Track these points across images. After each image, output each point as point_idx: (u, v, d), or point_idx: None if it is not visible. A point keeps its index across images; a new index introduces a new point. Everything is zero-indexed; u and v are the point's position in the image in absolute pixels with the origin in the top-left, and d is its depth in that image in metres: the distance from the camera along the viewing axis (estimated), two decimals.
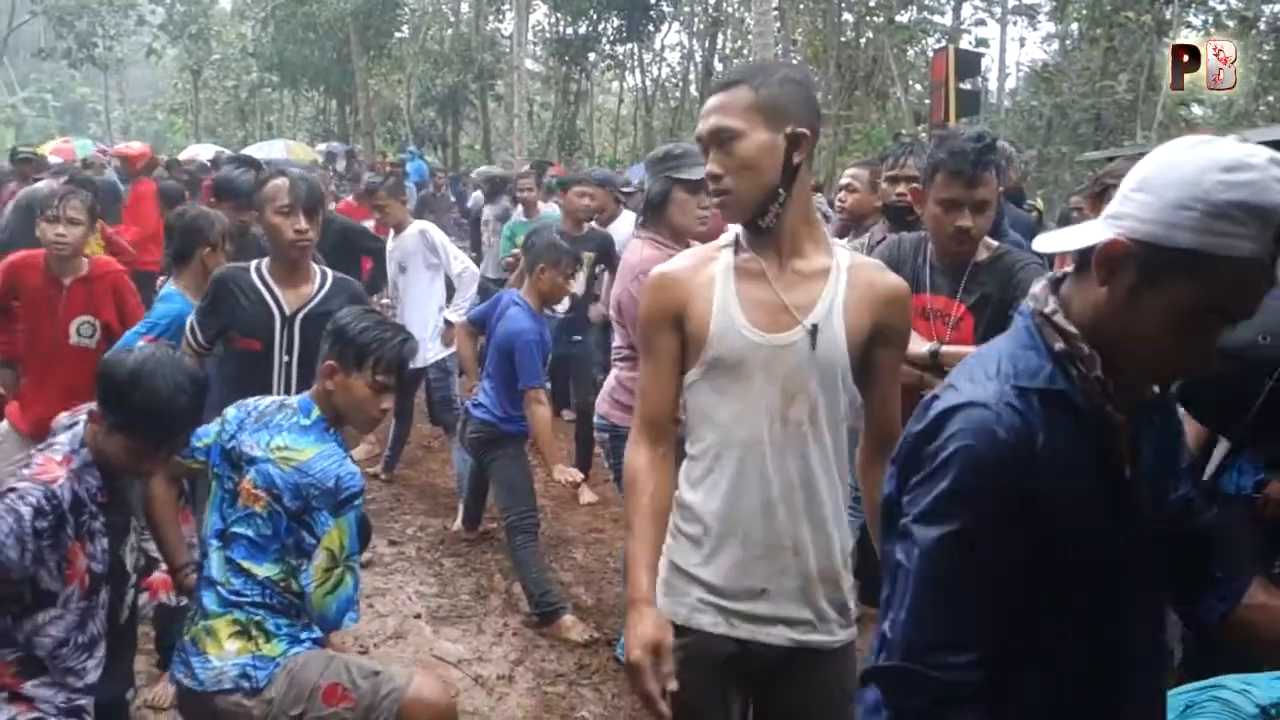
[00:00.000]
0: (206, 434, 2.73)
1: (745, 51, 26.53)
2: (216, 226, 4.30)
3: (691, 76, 29.63)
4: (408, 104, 29.40)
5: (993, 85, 27.75)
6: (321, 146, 23.99)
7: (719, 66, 27.66)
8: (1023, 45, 31.44)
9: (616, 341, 3.85)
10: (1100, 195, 3.36)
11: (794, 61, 21.84)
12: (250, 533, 2.59)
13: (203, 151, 19.41)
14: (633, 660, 1.89)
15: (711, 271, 2.03)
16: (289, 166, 6.25)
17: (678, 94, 30.57)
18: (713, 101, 1.98)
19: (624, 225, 6.73)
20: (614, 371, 3.84)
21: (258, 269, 3.60)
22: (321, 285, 3.61)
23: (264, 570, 2.57)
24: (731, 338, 1.97)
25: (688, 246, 3.73)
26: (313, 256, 3.70)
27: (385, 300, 6.68)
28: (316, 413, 2.71)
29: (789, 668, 2.04)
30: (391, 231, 6.36)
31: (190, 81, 34.73)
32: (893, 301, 2.01)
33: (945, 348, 2.93)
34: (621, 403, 3.70)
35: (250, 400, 2.82)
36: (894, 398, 2.07)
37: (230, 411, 2.78)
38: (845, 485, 2.05)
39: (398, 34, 29.24)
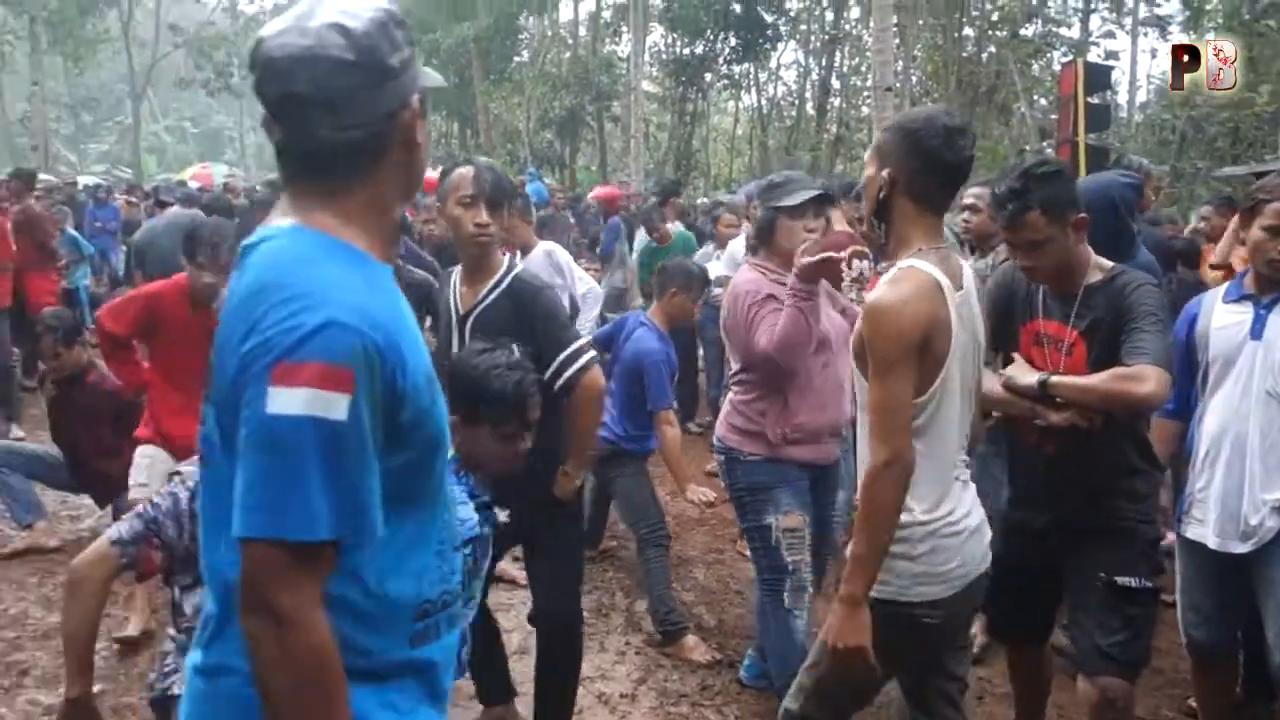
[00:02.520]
0: None
1: (863, 69, 26.29)
2: None
3: (808, 95, 29.48)
4: (527, 126, 29.90)
5: (1123, 99, 26.93)
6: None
7: (836, 84, 27.48)
8: (1154, 57, 30.32)
9: (732, 367, 3.86)
10: (1252, 210, 3.21)
11: (914, 78, 21.58)
12: None
13: None
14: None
15: None
16: None
17: (793, 113, 30.44)
18: None
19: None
20: (730, 395, 3.85)
21: (456, 276, 3.42)
22: (499, 283, 3.28)
23: None
24: None
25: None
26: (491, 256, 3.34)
27: None
28: (453, 451, 2.53)
29: None
30: (518, 252, 6.46)
31: None
32: (864, 316, 2.38)
33: (1055, 378, 2.86)
34: (737, 426, 3.71)
35: None
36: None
37: None
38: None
39: (517, 58, 29.86)
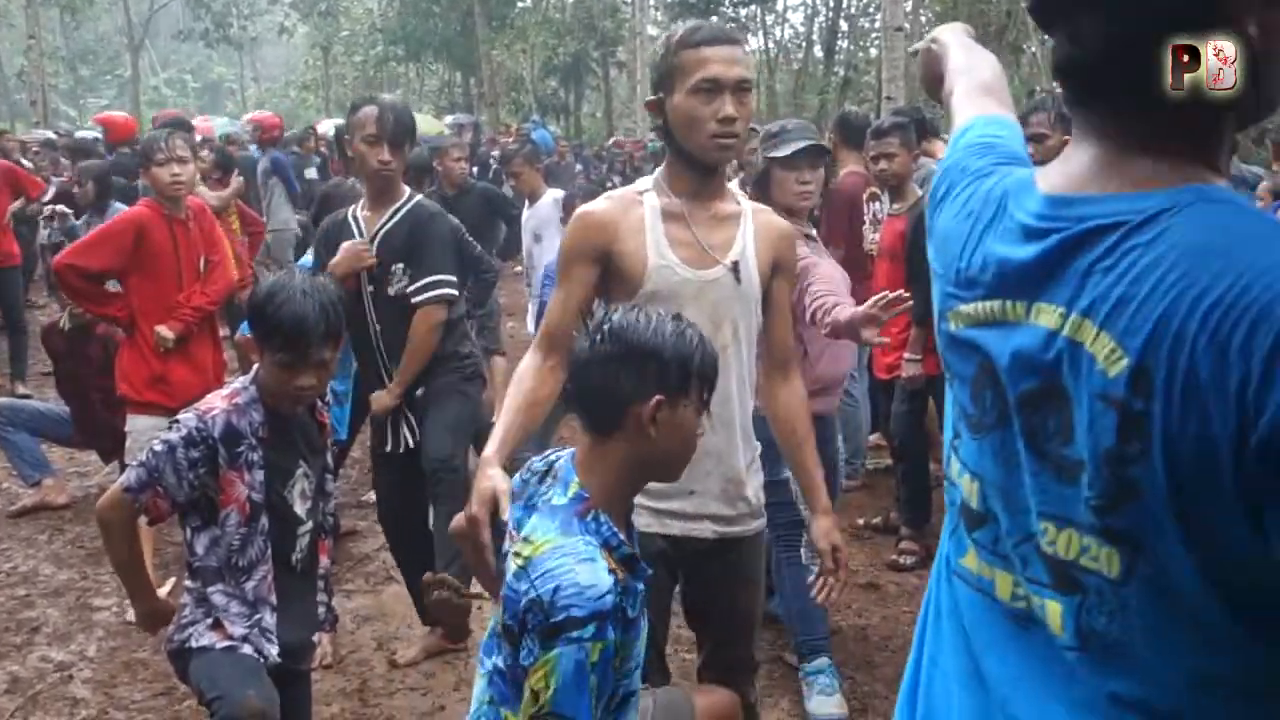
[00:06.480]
0: None
1: (871, 9, 25.90)
2: (349, 197, 4.33)
3: (815, 37, 29.09)
4: (531, 74, 29.59)
5: None
6: (449, 119, 24.35)
7: (844, 26, 27.10)
8: None
9: None
10: None
11: (923, 18, 21.22)
12: (499, 662, 1.86)
13: (332, 127, 19.88)
14: (471, 513, 1.96)
15: (640, 213, 2.29)
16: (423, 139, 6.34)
17: (800, 56, 30.06)
18: (732, 52, 2.20)
19: None
20: None
21: (356, 208, 3.72)
22: (399, 209, 3.62)
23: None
24: (665, 274, 2.24)
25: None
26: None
27: (518, 268, 6.70)
28: (575, 485, 1.85)
29: (713, 555, 2.37)
30: (526, 200, 6.35)
31: (320, 58, 35.69)
32: (785, 239, 2.43)
33: None
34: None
35: (535, 458, 2.01)
36: (789, 322, 2.50)
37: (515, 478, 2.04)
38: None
39: (520, 3, 29.44)
